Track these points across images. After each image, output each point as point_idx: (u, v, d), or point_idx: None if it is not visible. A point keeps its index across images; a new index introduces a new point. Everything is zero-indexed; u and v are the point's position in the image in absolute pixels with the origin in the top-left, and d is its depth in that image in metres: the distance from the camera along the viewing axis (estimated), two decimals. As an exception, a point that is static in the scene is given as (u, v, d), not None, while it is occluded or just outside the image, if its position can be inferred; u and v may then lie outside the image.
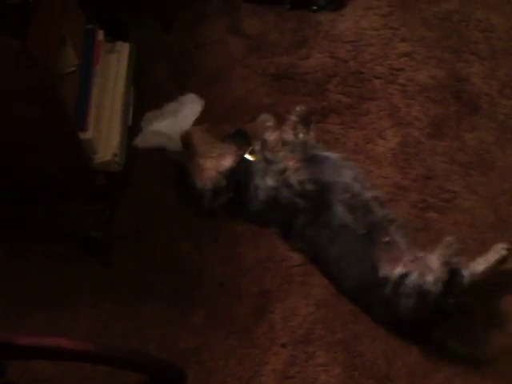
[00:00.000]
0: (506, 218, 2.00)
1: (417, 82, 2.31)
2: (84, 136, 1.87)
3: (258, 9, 2.51)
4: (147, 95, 2.26)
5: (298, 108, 2.12)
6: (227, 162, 2.01)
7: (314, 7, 2.50)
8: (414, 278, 1.73)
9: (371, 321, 1.82)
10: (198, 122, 2.14)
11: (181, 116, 2.14)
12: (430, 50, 2.39)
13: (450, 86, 2.29)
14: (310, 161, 1.93)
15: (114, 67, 2.13)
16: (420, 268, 1.75)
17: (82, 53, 2.00)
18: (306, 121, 2.13)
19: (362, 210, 1.85)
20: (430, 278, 1.71)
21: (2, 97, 1.66)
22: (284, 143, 1.99)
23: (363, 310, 1.83)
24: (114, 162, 1.98)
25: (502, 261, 1.79)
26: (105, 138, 1.98)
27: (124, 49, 2.18)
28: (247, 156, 2.00)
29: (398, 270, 1.75)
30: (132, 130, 2.14)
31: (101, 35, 2.11)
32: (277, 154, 1.96)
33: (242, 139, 2.08)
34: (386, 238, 1.82)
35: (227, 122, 2.20)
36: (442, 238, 1.84)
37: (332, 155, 1.98)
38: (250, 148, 2.02)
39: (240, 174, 1.98)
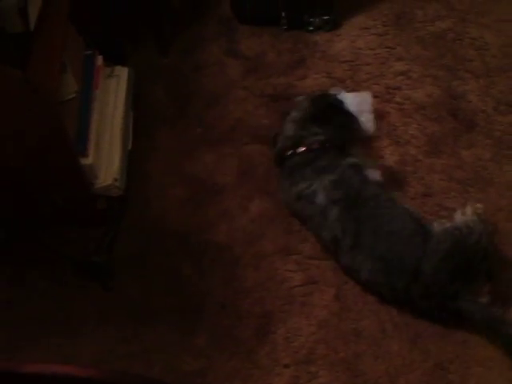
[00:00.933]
0: (504, 233, 2.00)
1: (413, 100, 2.32)
2: (85, 162, 1.89)
3: (254, 30, 2.53)
4: (146, 119, 2.28)
5: None
6: None
7: (311, 28, 2.52)
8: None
9: (373, 339, 1.83)
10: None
11: None
12: (425, 68, 2.41)
13: (446, 104, 2.31)
14: None
15: (113, 92, 2.16)
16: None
17: (82, 79, 2.03)
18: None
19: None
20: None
21: (3, 125, 1.68)
22: None
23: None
24: (115, 187, 2.00)
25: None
26: (105, 162, 2.01)
27: (123, 73, 2.21)
28: None
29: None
30: (131, 153, 2.15)
31: (100, 60, 2.14)
32: None
33: None
34: None
35: (227, 145, 2.22)
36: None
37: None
38: None
39: None
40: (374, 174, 2.02)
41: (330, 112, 2.07)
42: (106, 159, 2.01)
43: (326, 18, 2.51)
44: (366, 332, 1.84)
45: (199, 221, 2.08)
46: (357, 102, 2.11)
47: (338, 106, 2.09)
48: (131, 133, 2.19)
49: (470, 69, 2.40)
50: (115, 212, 2.07)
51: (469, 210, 1.89)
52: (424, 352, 1.80)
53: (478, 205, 1.92)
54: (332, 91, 2.16)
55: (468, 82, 2.36)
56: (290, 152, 2.02)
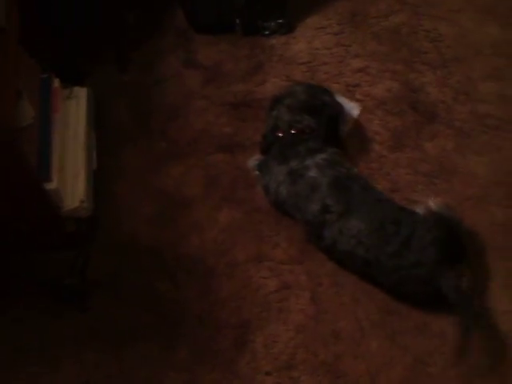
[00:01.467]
0: (473, 223, 2.03)
1: (373, 96, 2.34)
2: (49, 186, 1.88)
3: (211, 39, 2.53)
4: (110, 137, 2.27)
5: None
6: None
7: (266, 32, 2.53)
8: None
9: (352, 339, 1.85)
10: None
11: None
12: (382, 63, 2.43)
13: (406, 98, 2.33)
14: None
15: (74, 113, 2.14)
16: None
17: (40, 103, 2.01)
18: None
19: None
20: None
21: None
22: None
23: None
24: (83, 208, 1.99)
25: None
26: (70, 184, 1.99)
27: (82, 94, 2.19)
28: None
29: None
30: (97, 173, 2.15)
31: (57, 83, 2.11)
32: None
33: None
34: None
35: (191, 156, 2.22)
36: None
37: None
38: None
39: None
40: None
41: (321, 103, 2.12)
42: (71, 181, 2.00)
43: (280, 21, 2.51)
44: (344, 333, 1.86)
45: (171, 235, 2.07)
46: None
47: (330, 97, 2.16)
48: (95, 152, 2.18)
49: (426, 61, 2.43)
50: (85, 233, 2.06)
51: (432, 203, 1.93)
52: (403, 348, 1.82)
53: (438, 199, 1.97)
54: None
55: (425, 74, 2.39)
56: (282, 133, 2.06)
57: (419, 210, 1.92)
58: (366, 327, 1.86)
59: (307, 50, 2.49)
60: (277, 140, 2.07)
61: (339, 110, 2.15)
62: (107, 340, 1.91)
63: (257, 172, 2.12)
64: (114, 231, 2.10)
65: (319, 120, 2.09)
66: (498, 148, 2.20)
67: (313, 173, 1.95)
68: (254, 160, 2.15)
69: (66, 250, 2.01)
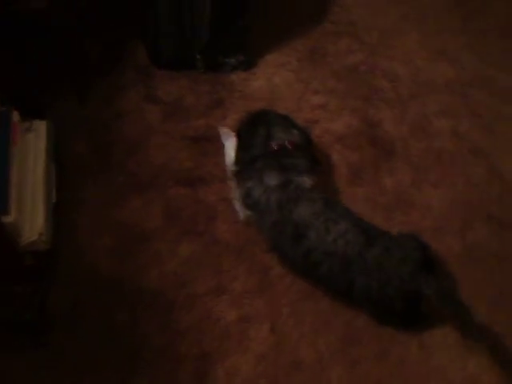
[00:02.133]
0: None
1: (332, 131, 2.40)
2: (6, 220, 1.85)
3: (172, 75, 2.56)
4: (69, 170, 2.26)
5: None
6: None
7: (226, 68, 2.57)
8: None
9: (312, 369, 1.84)
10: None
11: None
12: (342, 100, 2.49)
13: (365, 133, 2.39)
14: None
15: (33, 146, 2.13)
16: None
17: (-1, 136, 2.01)
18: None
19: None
20: None
21: None
22: None
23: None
24: (41, 242, 1.96)
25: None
26: (29, 218, 1.97)
27: (41, 127, 2.19)
28: None
29: None
30: (57, 206, 2.13)
31: (16, 116, 2.11)
32: None
33: None
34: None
35: (151, 190, 2.22)
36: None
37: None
38: None
39: None
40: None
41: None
42: (29, 215, 1.98)
43: (240, 57, 2.56)
44: (304, 363, 1.85)
45: (131, 268, 2.06)
46: None
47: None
48: (54, 185, 2.17)
49: (383, 98, 2.50)
50: (44, 267, 2.03)
51: None
52: (363, 376, 1.83)
53: None
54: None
55: (383, 111, 2.46)
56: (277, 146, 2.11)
57: None
58: (325, 357, 1.86)
59: (267, 86, 2.54)
60: (269, 152, 2.11)
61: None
62: (66, 376, 1.86)
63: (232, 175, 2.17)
64: (73, 264, 2.08)
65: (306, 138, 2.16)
66: (452, 182, 2.27)
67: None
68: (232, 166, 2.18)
69: (25, 284, 1.98)
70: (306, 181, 2.03)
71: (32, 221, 1.98)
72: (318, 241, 1.91)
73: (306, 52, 2.66)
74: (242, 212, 2.12)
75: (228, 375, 1.84)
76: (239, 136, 2.21)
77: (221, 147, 2.31)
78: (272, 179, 2.02)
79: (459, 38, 2.79)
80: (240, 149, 2.18)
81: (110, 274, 2.06)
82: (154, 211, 2.18)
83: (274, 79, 2.56)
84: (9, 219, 1.87)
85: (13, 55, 2.26)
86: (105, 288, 2.03)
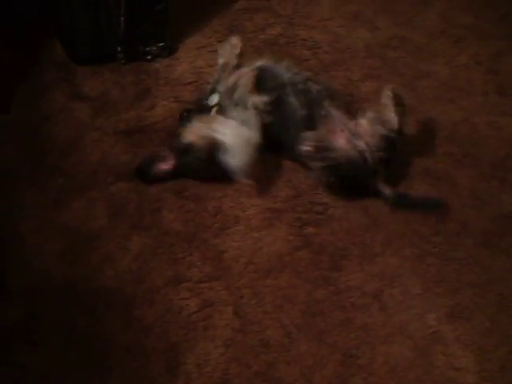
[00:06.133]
0: (376, 215, 2.14)
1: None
2: None
3: (94, 69, 2.52)
4: (5, 179, 2.20)
5: None
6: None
7: (148, 56, 2.55)
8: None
9: (281, 345, 1.87)
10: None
11: None
12: (267, 74, 2.50)
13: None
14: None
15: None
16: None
17: None
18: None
19: (302, 93, 2.19)
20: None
21: None
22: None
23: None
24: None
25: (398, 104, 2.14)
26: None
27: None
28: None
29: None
30: (-3, 217, 2.08)
31: None
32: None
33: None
34: (323, 112, 2.16)
35: (92, 189, 2.18)
36: (323, 251, 1.99)
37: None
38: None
39: None
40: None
41: None
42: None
43: (161, 44, 2.55)
44: (272, 340, 1.88)
45: (83, 270, 2.02)
46: None
47: None
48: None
49: (308, 68, 2.52)
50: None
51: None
52: (331, 345, 1.87)
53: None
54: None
55: (310, 80, 2.48)
56: None
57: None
58: (292, 332, 1.89)
59: (191, 69, 2.54)
60: None
61: None
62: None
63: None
64: (23, 274, 2.02)
65: None
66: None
67: None
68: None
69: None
70: None
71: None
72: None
73: (225, 31, 2.66)
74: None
75: (199, 364, 1.84)
76: None
77: (154, 137, 2.31)
78: None
79: (371, 1, 2.86)
80: None
81: (63, 278, 2.02)
82: (98, 210, 2.15)
83: (198, 62, 2.56)
84: None
85: None
86: (60, 294, 1.99)
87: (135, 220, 2.13)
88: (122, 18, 2.41)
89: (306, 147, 2.10)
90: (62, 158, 2.27)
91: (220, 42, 2.59)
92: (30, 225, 2.12)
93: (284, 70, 2.24)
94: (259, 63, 2.26)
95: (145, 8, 2.44)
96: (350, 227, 2.12)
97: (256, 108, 2.15)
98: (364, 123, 2.15)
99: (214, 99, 2.23)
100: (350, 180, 2.14)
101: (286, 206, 2.16)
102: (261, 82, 2.19)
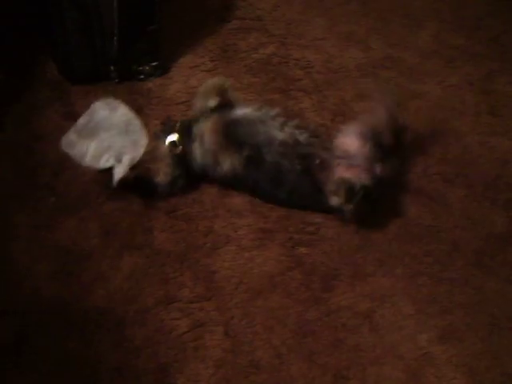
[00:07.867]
0: (367, 236, 2.14)
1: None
2: None
3: (88, 89, 2.52)
4: (-4, 199, 2.20)
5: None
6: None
7: (141, 76, 2.56)
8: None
9: (271, 367, 1.86)
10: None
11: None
12: (260, 94, 2.52)
13: (287, 125, 2.41)
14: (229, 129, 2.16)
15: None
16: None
17: None
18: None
19: (291, 147, 2.10)
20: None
21: None
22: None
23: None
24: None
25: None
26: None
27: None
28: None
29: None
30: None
31: None
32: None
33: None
34: (317, 161, 2.09)
35: (84, 208, 2.18)
36: (315, 271, 1.99)
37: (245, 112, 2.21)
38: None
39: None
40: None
41: None
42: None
43: (154, 64, 2.55)
44: (263, 361, 1.87)
45: (74, 290, 2.02)
46: None
47: None
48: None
49: (300, 87, 2.54)
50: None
51: None
52: (322, 366, 1.86)
53: None
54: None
55: (302, 100, 2.50)
56: None
57: None
58: (283, 353, 1.89)
59: (184, 89, 2.54)
60: None
61: None
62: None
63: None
64: (14, 295, 2.02)
65: None
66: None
67: None
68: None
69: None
70: None
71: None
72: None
73: (218, 51, 2.67)
74: None
75: (189, 384, 1.85)
76: None
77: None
78: None
79: (364, 21, 2.87)
80: None
81: (54, 298, 2.02)
82: (90, 229, 2.15)
83: (191, 81, 2.56)
84: None
85: None
86: (50, 314, 1.99)
87: (127, 240, 2.13)
88: (116, 38, 2.42)
89: (335, 200, 2.07)
90: (54, 177, 2.27)
91: (213, 61, 2.62)
92: (21, 244, 2.11)
93: (268, 122, 2.15)
94: (239, 111, 2.21)
95: (138, 28, 2.45)
96: (342, 247, 2.11)
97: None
98: (348, 140, 2.11)
99: (171, 139, 2.22)
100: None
101: (278, 226, 2.16)
102: (232, 138, 2.14)
